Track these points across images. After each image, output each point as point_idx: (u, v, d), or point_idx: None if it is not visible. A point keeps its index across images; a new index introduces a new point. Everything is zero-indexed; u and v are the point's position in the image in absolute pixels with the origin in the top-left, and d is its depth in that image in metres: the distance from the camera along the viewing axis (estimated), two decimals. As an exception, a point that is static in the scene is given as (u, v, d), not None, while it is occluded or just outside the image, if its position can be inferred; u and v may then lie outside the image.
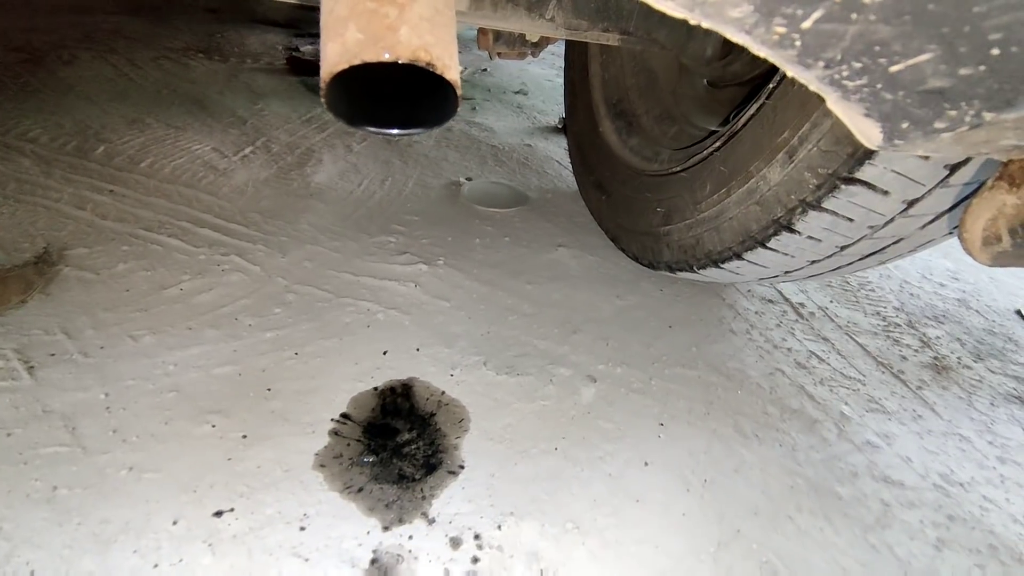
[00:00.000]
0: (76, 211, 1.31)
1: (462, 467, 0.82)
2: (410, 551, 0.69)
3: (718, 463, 0.89)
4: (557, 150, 2.10)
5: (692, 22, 0.32)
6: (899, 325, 1.38)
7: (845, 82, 0.35)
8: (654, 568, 0.73)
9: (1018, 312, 1.51)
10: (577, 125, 1.63)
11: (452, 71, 0.46)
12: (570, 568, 0.70)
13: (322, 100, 0.46)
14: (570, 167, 1.87)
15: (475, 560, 0.69)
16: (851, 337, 1.30)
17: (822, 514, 0.83)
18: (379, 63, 0.43)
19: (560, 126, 2.29)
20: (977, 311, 1.50)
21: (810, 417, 1.02)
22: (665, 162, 1.27)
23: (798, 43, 0.31)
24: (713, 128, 1.30)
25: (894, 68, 0.31)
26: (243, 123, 1.91)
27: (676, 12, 0.30)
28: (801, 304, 1.40)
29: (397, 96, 0.51)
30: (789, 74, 0.37)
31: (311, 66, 2.47)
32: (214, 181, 1.52)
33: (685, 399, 1.01)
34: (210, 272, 1.17)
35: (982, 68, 0.29)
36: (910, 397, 1.12)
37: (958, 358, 1.28)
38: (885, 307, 1.46)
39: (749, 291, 1.42)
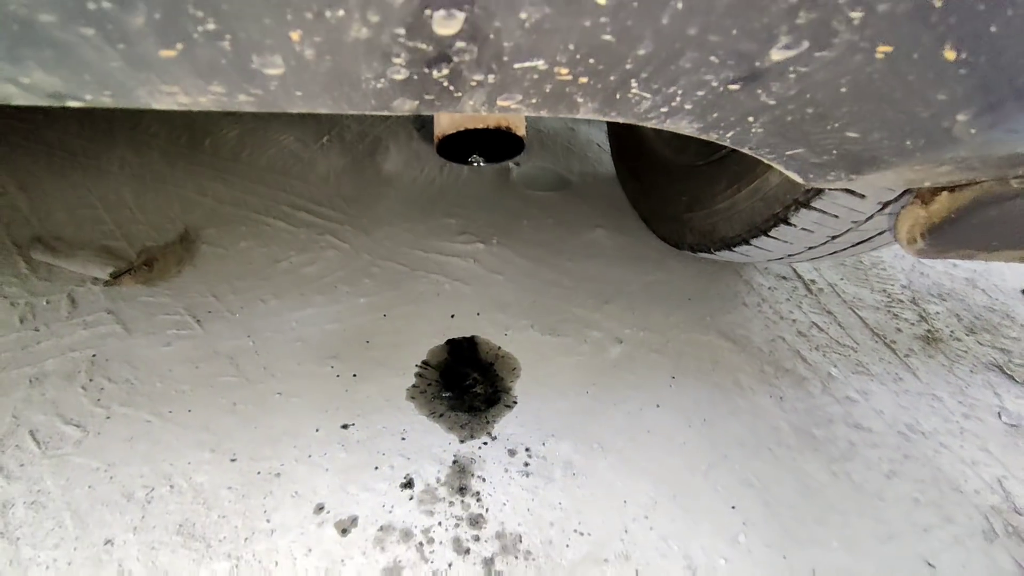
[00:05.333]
0: (200, 197, 1.62)
1: (515, 402, 1.09)
2: (480, 456, 0.97)
3: (716, 407, 1.12)
4: (598, 134, 2.27)
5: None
6: (902, 301, 1.54)
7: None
8: (658, 478, 0.98)
9: (1023, 292, 1.63)
10: (615, 117, 1.81)
11: (520, 130, 0.69)
12: (595, 474, 0.97)
13: (436, 151, 0.70)
14: (609, 152, 2.05)
15: (526, 464, 0.97)
16: (854, 311, 1.48)
17: (796, 448, 1.06)
18: (475, 128, 0.66)
19: (600, 110, 2.45)
20: (983, 290, 1.63)
21: (800, 375, 1.23)
22: (692, 155, 1.45)
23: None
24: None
25: (789, 153, 0.53)
26: (318, 113, 2.18)
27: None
28: (812, 281, 1.58)
29: (484, 142, 0.74)
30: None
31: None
32: (302, 170, 1.80)
33: (695, 359, 1.24)
34: (311, 249, 1.46)
35: (834, 153, 0.50)
36: (896, 363, 1.31)
37: (951, 331, 1.44)
38: (893, 285, 1.61)
39: (765, 269, 1.60)
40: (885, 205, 1.00)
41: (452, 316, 1.30)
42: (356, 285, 1.36)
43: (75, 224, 1.44)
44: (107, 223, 1.46)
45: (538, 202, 1.77)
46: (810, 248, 1.21)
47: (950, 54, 0.30)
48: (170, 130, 1.94)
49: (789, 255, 1.27)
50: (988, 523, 0.98)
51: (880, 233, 1.12)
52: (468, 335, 1.24)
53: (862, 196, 0.99)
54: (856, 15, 0.28)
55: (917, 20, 0.28)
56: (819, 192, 1.01)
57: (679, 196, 1.44)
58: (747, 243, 1.24)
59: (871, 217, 1.05)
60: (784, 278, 1.58)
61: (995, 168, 0.52)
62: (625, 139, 1.74)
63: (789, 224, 1.11)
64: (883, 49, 0.30)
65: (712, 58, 0.32)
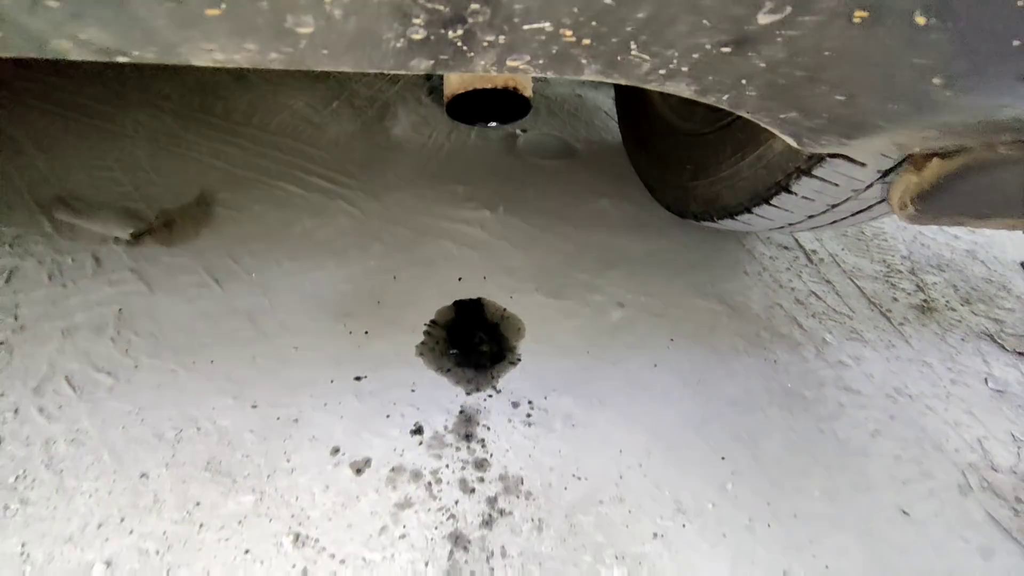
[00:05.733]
0: (214, 161, 1.65)
1: (519, 360, 1.14)
2: (485, 407, 1.03)
3: (712, 369, 1.17)
4: (606, 101, 2.27)
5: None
6: (901, 271, 1.57)
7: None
8: (653, 431, 1.04)
9: (1022, 264, 1.66)
10: (623, 84, 1.81)
11: (527, 91, 0.72)
12: (593, 426, 1.03)
13: (445, 111, 0.73)
14: (616, 119, 2.05)
15: (528, 415, 1.03)
16: (852, 280, 1.51)
17: (787, 408, 1.11)
18: (483, 88, 0.69)
19: (609, 78, 2.43)
20: (983, 261, 1.65)
21: (796, 341, 1.27)
22: (698, 123, 1.46)
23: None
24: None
25: (783, 117, 0.55)
26: (328, 77, 2.18)
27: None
28: (813, 251, 1.60)
29: (492, 104, 0.77)
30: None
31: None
32: (313, 135, 1.82)
33: (693, 323, 1.28)
34: (323, 213, 1.50)
35: (826, 117, 0.53)
36: (890, 331, 1.35)
37: (946, 301, 1.47)
38: (893, 255, 1.64)
39: (767, 238, 1.62)
40: (885, 174, 1.03)
41: (459, 279, 1.34)
42: (367, 249, 1.41)
43: (94, 185, 1.48)
44: (125, 185, 1.50)
45: (544, 170, 1.79)
46: (811, 217, 1.24)
47: (920, 19, 0.33)
48: (182, 94, 1.95)
49: (790, 224, 1.29)
50: (964, 478, 1.03)
51: (880, 202, 1.14)
52: (475, 297, 1.29)
53: (862, 164, 1.01)
54: (831, -18, 0.31)
55: (888, -14, 0.31)
56: (820, 160, 1.03)
57: (684, 164, 1.45)
58: (749, 211, 1.27)
59: (871, 185, 1.07)
60: (786, 248, 1.60)
61: (979, 133, 0.55)
62: (632, 106, 1.74)
63: (790, 192, 1.14)
64: (860, 14, 0.33)
65: (705, 21, 0.35)
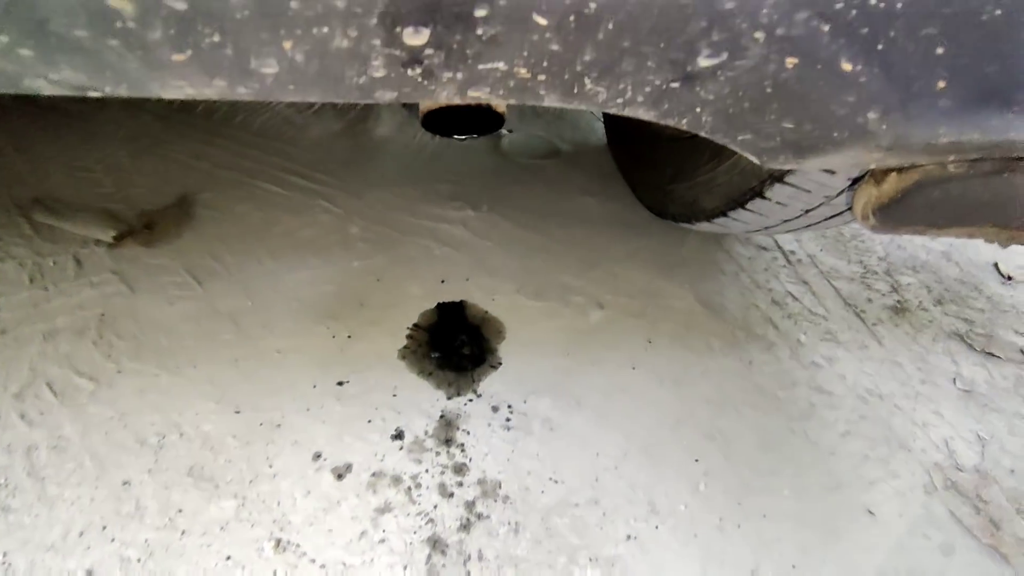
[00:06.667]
0: (196, 161, 1.65)
1: (500, 363, 1.16)
2: (465, 412, 1.05)
3: (688, 369, 1.20)
4: (591, 100, 2.27)
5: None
6: (876, 273, 1.60)
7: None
8: (629, 432, 1.06)
9: (995, 265, 1.70)
10: (607, 84, 1.82)
11: (501, 107, 0.73)
12: (571, 428, 1.05)
13: (420, 125, 0.74)
14: (601, 120, 2.06)
15: (507, 419, 1.05)
16: (829, 281, 1.54)
17: (760, 408, 1.14)
18: (457, 105, 0.70)
19: (596, 75, 2.44)
20: (957, 263, 1.69)
21: (770, 341, 1.30)
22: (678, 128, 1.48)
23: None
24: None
25: (740, 138, 0.57)
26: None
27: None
28: (792, 252, 1.63)
29: (466, 118, 0.78)
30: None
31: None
32: (295, 135, 1.82)
33: (671, 323, 1.31)
34: (305, 213, 1.50)
35: (778, 140, 0.55)
36: (863, 331, 1.38)
37: (919, 302, 1.51)
38: (870, 257, 1.67)
39: (746, 239, 1.65)
40: (854, 181, 1.05)
41: (442, 281, 1.35)
42: (350, 249, 1.41)
43: (74, 186, 1.48)
44: (106, 186, 1.49)
45: (529, 169, 1.80)
46: (785, 221, 1.26)
47: (847, 66, 0.35)
48: (163, 91, 1.94)
49: (766, 227, 1.32)
50: (930, 478, 1.07)
51: (851, 208, 1.16)
52: (457, 299, 1.30)
53: (833, 172, 1.03)
54: (759, 35, 0.32)
55: (811, 40, 0.33)
56: (792, 168, 1.05)
57: (664, 167, 1.47)
58: (726, 215, 1.29)
59: (842, 192, 1.09)
60: (764, 249, 1.63)
61: (925, 155, 0.57)
62: (616, 108, 1.75)
63: (765, 198, 1.16)
64: (791, 60, 0.35)
65: (649, 63, 0.37)
